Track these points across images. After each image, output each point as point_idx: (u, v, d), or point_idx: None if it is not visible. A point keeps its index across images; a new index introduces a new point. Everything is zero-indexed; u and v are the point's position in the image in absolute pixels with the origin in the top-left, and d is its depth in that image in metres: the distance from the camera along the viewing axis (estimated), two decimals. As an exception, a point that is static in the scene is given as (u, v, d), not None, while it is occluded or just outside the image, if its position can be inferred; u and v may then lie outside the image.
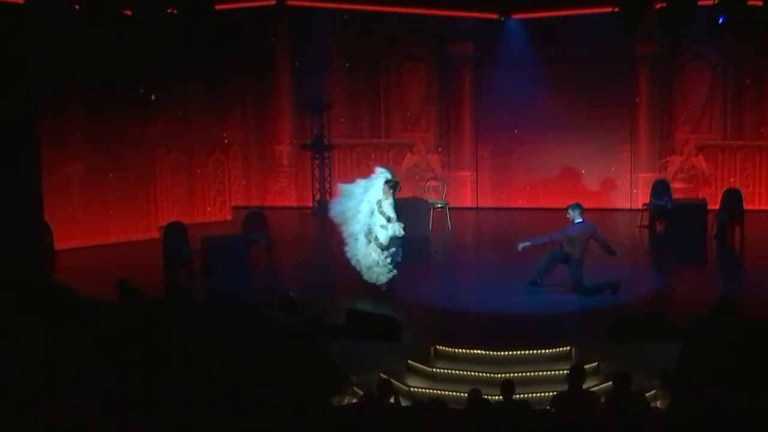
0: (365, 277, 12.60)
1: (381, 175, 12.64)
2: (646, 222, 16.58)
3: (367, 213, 12.57)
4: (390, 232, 12.46)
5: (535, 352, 10.41)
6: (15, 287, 11.27)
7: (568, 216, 12.56)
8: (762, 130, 17.99)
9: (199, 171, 18.02)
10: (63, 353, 8.72)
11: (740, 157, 18.19)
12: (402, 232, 12.49)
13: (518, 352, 10.36)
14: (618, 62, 18.23)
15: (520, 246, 12.62)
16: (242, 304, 12.32)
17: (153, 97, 16.89)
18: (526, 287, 12.57)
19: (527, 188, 18.86)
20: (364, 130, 19.43)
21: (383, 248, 12.45)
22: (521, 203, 18.93)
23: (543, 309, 12.01)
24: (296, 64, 19.07)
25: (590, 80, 18.27)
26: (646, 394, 9.02)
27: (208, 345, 10.22)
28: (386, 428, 7.16)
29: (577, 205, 12.61)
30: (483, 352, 10.39)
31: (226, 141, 18.70)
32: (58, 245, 14.99)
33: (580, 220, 12.50)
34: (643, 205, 17.11)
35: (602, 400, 8.43)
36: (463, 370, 10.18)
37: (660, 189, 16.84)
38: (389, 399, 8.56)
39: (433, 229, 16.77)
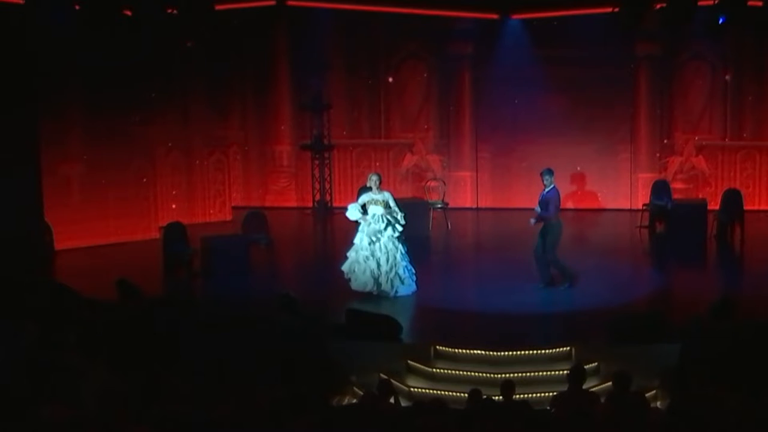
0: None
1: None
2: (646, 222, 16.57)
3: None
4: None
5: (535, 352, 10.41)
6: (15, 287, 11.26)
7: (544, 181, 12.61)
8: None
9: (199, 171, 18.01)
10: (63, 353, 8.71)
11: (740, 158, 18.19)
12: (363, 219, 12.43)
13: (518, 352, 10.36)
14: (618, 62, 18.22)
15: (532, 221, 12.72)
16: (242, 304, 12.30)
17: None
18: (539, 290, 12.55)
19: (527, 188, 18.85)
20: (364, 131, 19.42)
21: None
22: (521, 203, 18.90)
23: (543, 309, 12.00)
24: (296, 67, 19.07)
25: (590, 80, 18.26)
26: (646, 394, 9.02)
27: (207, 345, 10.22)
28: (386, 428, 7.15)
29: (552, 171, 12.68)
30: (483, 352, 10.38)
31: (226, 141, 18.71)
32: (58, 245, 14.97)
33: (552, 185, 12.53)
34: (643, 205, 17.10)
35: (602, 400, 8.44)
36: (463, 371, 10.18)
37: (660, 189, 16.84)
38: (389, 399, 8.55)
39: (433, 229, 16.77)
